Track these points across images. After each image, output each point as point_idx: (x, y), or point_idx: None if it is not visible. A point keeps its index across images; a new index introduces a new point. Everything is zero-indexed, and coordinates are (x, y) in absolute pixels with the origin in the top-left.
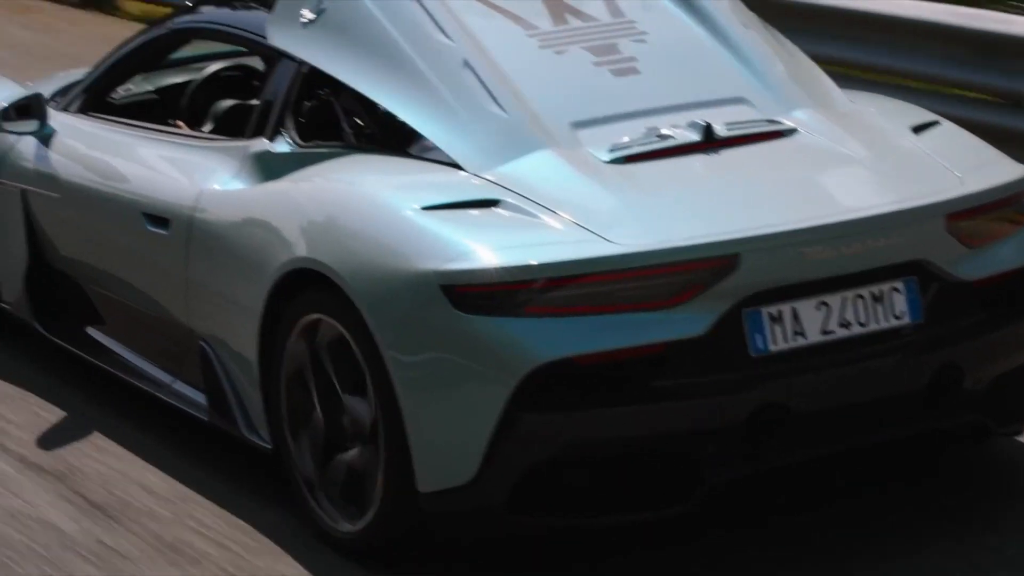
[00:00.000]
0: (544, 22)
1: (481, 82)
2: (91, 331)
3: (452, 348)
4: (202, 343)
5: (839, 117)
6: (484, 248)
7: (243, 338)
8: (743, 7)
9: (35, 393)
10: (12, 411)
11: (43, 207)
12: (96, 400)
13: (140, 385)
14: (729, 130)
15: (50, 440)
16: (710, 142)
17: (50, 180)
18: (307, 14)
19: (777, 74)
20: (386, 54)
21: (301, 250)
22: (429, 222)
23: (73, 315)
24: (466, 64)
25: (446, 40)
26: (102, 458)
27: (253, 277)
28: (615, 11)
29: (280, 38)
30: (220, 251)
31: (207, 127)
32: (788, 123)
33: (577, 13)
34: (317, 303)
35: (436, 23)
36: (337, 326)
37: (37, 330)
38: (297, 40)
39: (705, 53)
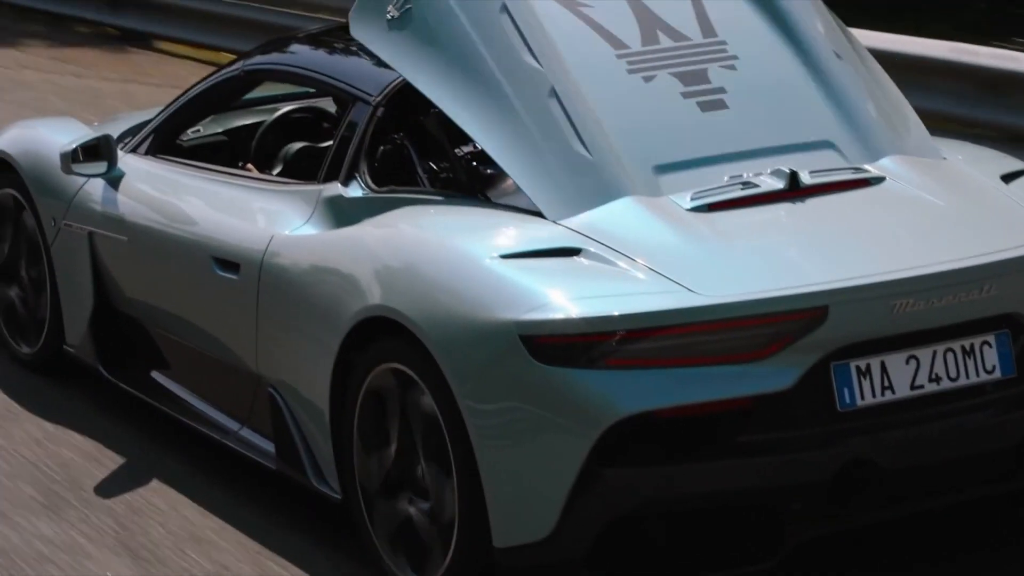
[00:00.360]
0: (634, 39)
1: (567, 116)
2: (156, 375)
3: (531, 400)
4: (271, 390)
5: (927, 165)
6: (565, 298)
7: (314, 386)
8: (838, 31)
9: (97, 438)
10: (75, 455)
11: (110, 250)
12: (160, 445)
13: (205, 431)
14: (814, 178)
15: (113, 485)
16: (795, 190)
17: (118, 223)
18: (392, 10)
19: (866, 116)
20: (471, 70)
21: (375, 298)
22: (508, 271)
23: (138, 359)
24: (553, 93)
25: (535, 63)
26: (163, 505)
27: (326, 324)
28: (707, 29)
29: (361, 32)
30: (292, 297)
31: (277, 170)
32: (875, 171)
33: (668, 30)
34: (391, 352)
35: (525, 41)
36: (412, 375)
37: (101, 374)
38: (379, 37)
39: (794, 87)
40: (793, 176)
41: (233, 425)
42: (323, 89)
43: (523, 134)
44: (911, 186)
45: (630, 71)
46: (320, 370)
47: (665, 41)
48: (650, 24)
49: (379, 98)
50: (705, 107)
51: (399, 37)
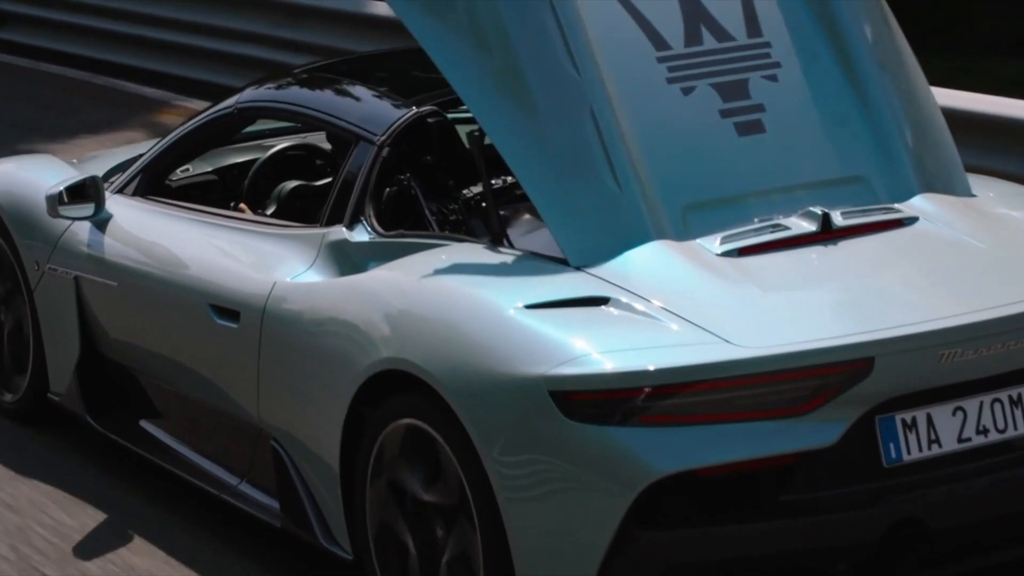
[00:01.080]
0: (678, 38)
1: (601, 141)
2: (145, 425)
3: (562, 458)
4: (274, 443)
5: (961, 204)
6: (596, 351)
7: (323, 441)
8: (885, 33)
9: (81, 492)
10: (58, 509)
11: (99, 295)
12: (148, 498)
13: (199, 484)
14: (847, 219)
15: (96, 544)
16: (827, 232)
17: (107, 267)
18: None
19: (901, 147)
20: (507, 70)
21: (390, 350)
22: (534, 322)
23: (126, 408)
24: (591, 113)
25: (574, 72)
26: (145, 566)
27: (335, 377)
28: (752, 28)
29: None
30: (297, 348)
31: (271, 210)
32: (908, 210)
33: (714, 27)
34: (408, 407)
35: (566, 42)
36: (431, 432)
37: (88, 423)
38: (413, 10)
39: (832, 105)
40: (825, 218)
41: (231, 479)
42: (323, 127)
43: (553, 157)
44: (947, 227)
45: (670, 79)
46: (329, 425)
47: (709, 41)
48: (695, 18)
49: (384, 137)
50: (742, 129)
51: (433, 15)
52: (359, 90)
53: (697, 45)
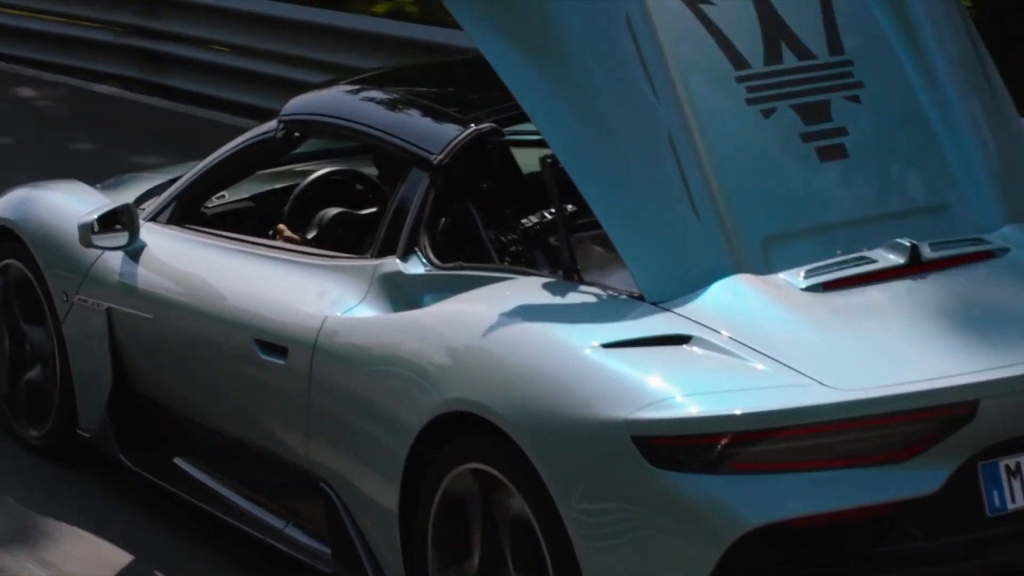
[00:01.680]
0: (757, 55)
1: (680, 169)
2: (180, 463)
3: (644, 508)
4: (324, 486)
5: None
6: (681, 394)
7: (380, 485)
8: (973, 55)
9: (110, 530)
10: (85, 547)
11: (132, 327)
12: (179, 537)
13: (240, 526)
14: (936, 251)
15: None
16: (916, 265)
17: (142, 299)
18: None
19: (988, 174)
20: (578, 90)
21: (454, 391)
22: (612, 361)
23: (160, 445)
24: (669, 140)
25: (651, 96)
26: None
27: (393, 419)
28: (834, 45)
29: (456, 3)
30: (351, 387)
31: (310, 234)
32: (999, 241)
33: (794, 43)
34: (475, 451)
35: (643, 63)
36: (499, 477)
37: (119, 460)
38: (476, 17)
39: (917, 130)
40: (914, 250)
41: (277, 522)
42: (374, 144)
43: (630, 186)
44: None
45: (749, 100)
46: (386, 470)
47: (789, 59)
48: (775, 34)
49: (441, 157)
50: (824, 154)
51: (500, 26)
52: (414, 104)
53: (777, 64)
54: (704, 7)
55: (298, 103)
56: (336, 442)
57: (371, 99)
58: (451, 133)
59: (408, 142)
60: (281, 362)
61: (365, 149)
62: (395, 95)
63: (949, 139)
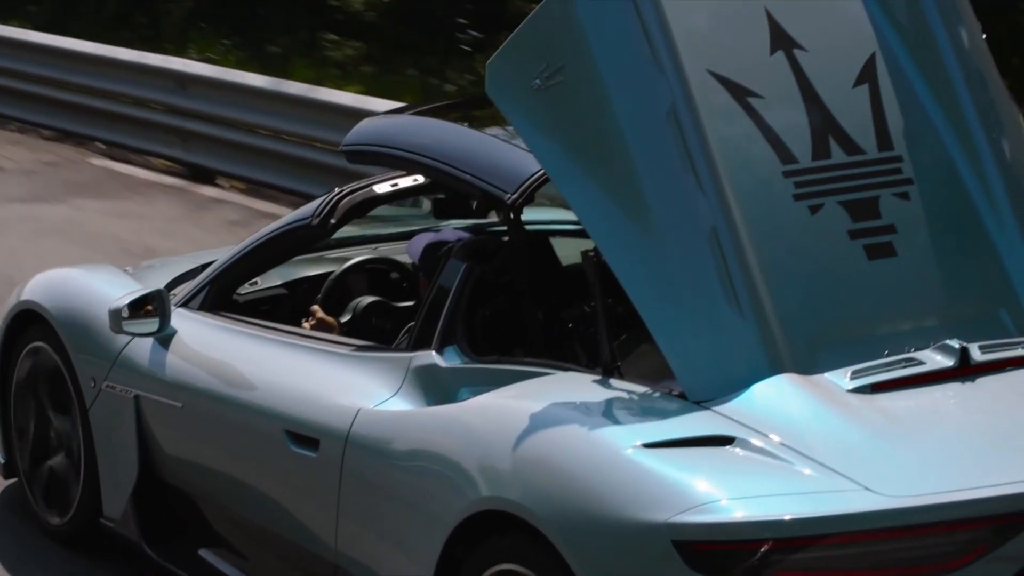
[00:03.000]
0: (805, 150)
1: (725, 265)
2: (206, 555)
3: None
4: None
5: None
6: (725, 497)
7: None
8: (1022, 148)
9: None
10: None
11: (160, 415)
12: None
13: None
14: (986, 354)
15: None
16: (966, 367)
17: (172, 387)
18: (539, 79)
19: None
20: (620, 180)
21: (490, 489)
22: (654, 462)
23: (186, 536)
24: (713, 234)
25: (697, 191)
26: None
27: (428, 515)
28: (883, 140)
29: (498, 91)
30: (383, 482)
31: (345, 318)
32: None
33: (843, 138)
34: (511, 551)
35: (689, 155)
36: None
37: (144, 551)
38: (516, 105)
39: (967, 228)
40: (963, 352)
41: None
42: (441, 180)
43: (672, 282)
44: None
45: (797, 196)
46: (419, 567)
47: (838, 154)
48: (823, 128)
49: (515, 196)
50: (872, 252)
51: (539, 114)
52: (488, 137)
53: (825, 159)
54: (752, 100)
55: (361, 132)
56: (366, 537)
57: (441, 129)
58: (527, 170)
59: (479, 178)
60: (312, 454)
61: (431, 188)
62: (468, 125)
63: (1000, 240)
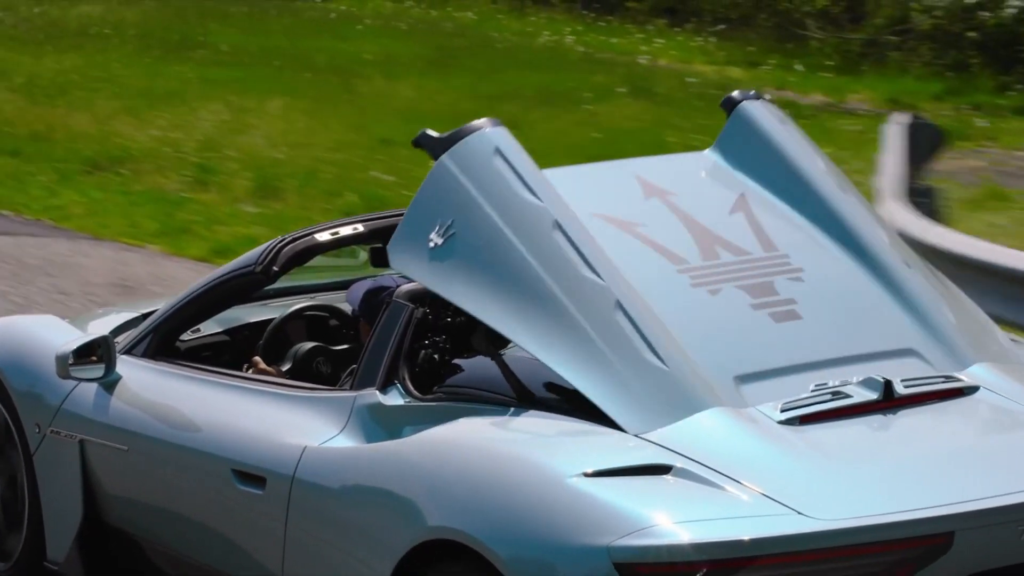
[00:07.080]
0: (693, 255)
1: (636, 328)
2: None
3: None
4: None
5: (1018, 372)
6: (665, 522)
7: None
8: (901, 241)
9: None
10: None
11: (105, 459)
12: None
13: None
14: (908, 387)
15: None
16: (889, 400)
17: (116, 431)
18: (435, 238)
19: (945, 322)
20: (527, 289)
21: (435, 519)
22: (595, 490)
23: None
24: (619, 306)
25: (596, 278)
26: None
27: (374, 549)
28: (767, 244)
29: (403, 262)
30: (329, 517)
31: (285, 367)
32: (967, 379)
33: (727, 245)
34: None
35: (584, 257)
36: None
37: None
38: (422, 266)
39: (867, 295)
40: (887, 386)
41: None
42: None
43: (590, 348)
44: (1007, 396)
45: (694, 284)
46: None
47: (726, 256)
48: (707, 241)
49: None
50: (778, 318)
51: (445, 264)
52: None
53: (714, 259)
54: (636, 227)
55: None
56: (314, 572)
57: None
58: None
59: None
60: (259, 492)
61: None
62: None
63: (900, 297)
